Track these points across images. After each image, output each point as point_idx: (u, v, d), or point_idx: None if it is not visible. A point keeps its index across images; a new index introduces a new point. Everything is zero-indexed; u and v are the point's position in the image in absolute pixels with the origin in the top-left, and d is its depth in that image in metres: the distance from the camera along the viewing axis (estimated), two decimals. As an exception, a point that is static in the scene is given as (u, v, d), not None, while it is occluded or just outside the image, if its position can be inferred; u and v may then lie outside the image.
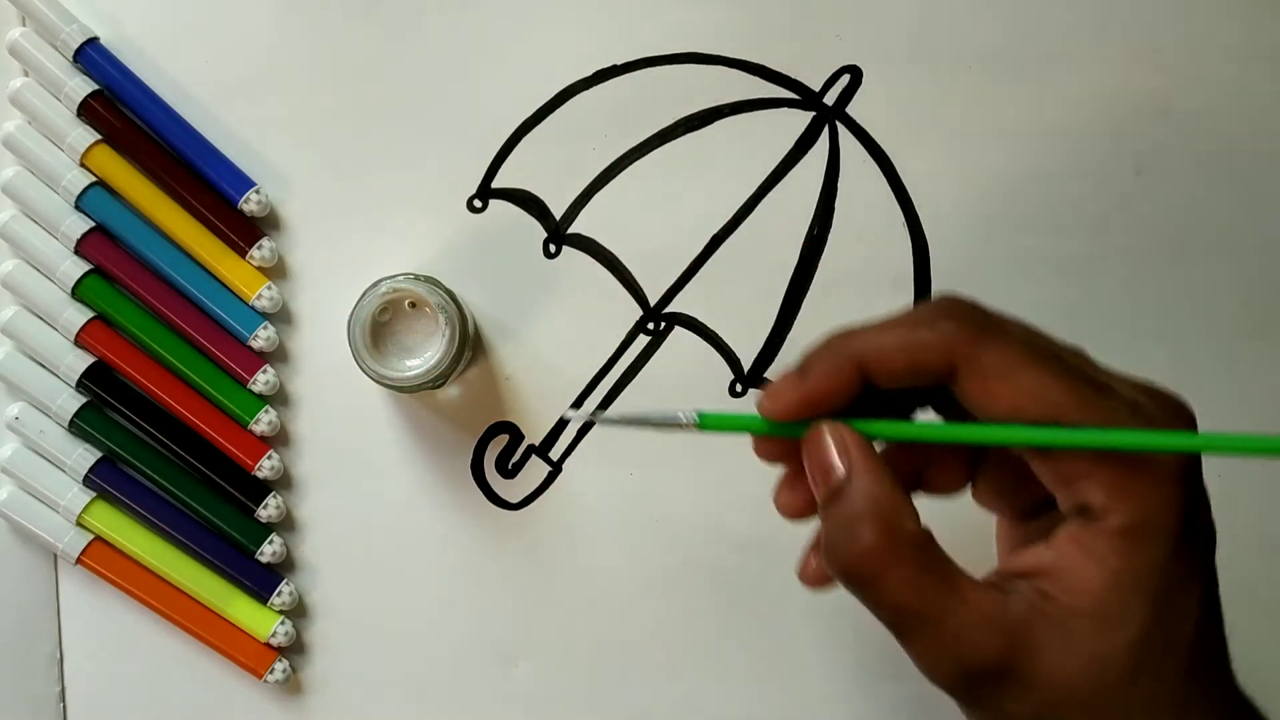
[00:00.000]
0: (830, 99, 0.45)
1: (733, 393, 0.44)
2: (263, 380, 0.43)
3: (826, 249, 0.44)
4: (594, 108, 0.44)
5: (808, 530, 0.46)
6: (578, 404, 0.44)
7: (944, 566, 0.28)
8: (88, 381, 0.43)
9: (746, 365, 0.44)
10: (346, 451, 0.45)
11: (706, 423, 0.32)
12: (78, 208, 0.43)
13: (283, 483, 0.45)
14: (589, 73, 0.44)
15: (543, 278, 0.45)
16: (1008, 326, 0.29)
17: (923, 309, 0.29)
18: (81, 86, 0.43)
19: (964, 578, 0.28)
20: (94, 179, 0.43)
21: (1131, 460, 0.27)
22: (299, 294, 0.45)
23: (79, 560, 0.43)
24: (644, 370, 0.44)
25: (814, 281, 0.44)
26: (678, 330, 0.45)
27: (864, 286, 0.44)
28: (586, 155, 0.45)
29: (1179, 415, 0.29)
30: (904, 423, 0.30)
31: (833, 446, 0.29)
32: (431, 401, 0.44)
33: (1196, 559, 0.28)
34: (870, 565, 0.28)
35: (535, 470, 0.45)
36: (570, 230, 0.45)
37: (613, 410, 0.42)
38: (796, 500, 0.32)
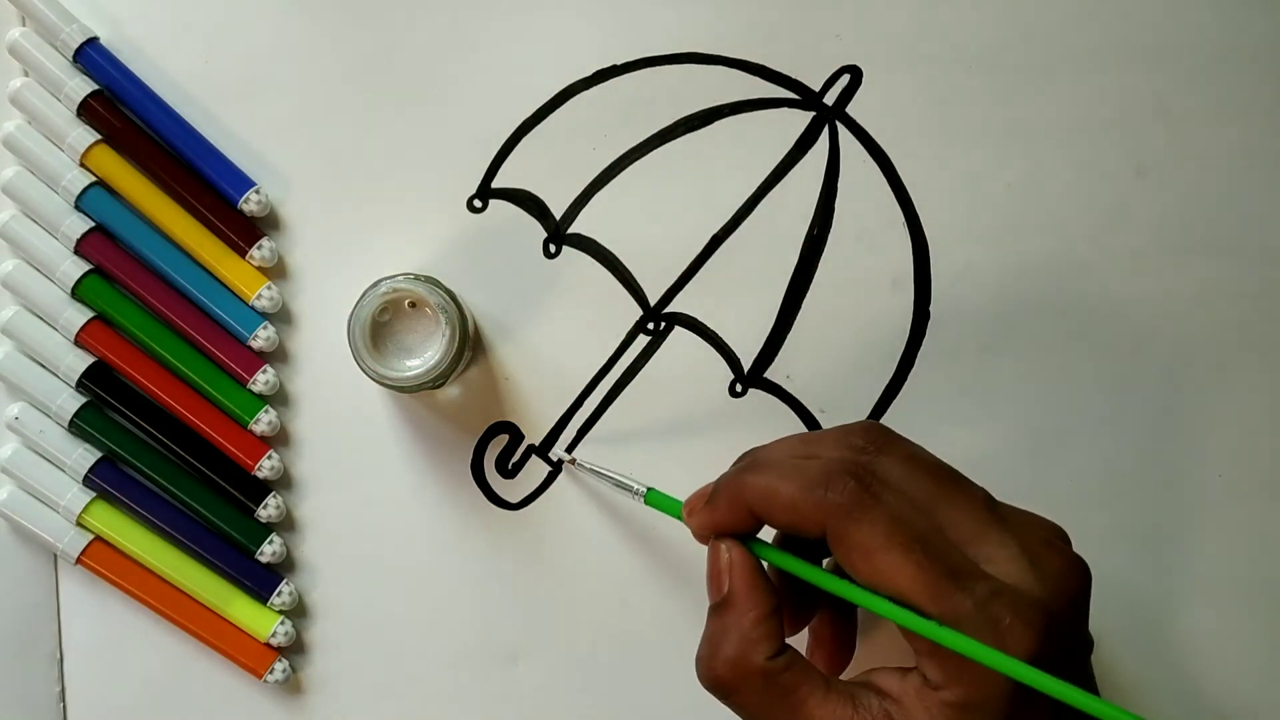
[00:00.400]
0: (830, 99, 0.45)
1: (733, 393, 0.44)
2: (263, 380, 0.43)
3: (826, 249, 0.44)
4: (594, 108, 0.44)
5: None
6: (578, 404, 0.44)
7: (790, 691, 0.32)
8: (88, 381, 0.43)
9: (746, 365, 0.44)
10: (346, 451, 0.45)
11: (651, 500, 0.39)
12: (78, 208, 0.43)
13: (283, 483, 0.45)
14: (589, 73, 0.44)
15: (543, 278, 0.45)
16: (885, 501, 0.31)
17: (819, 466, 0.32)
18: (81, 86, 0.43)
19: (812, 697, 0.31)
20: (94, 179, 0.43)
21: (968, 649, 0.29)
22: (299, 294, 0.45)
23: (79, 560, 0.43)
24: (644, 370, 0.44)
25: (814, 281, 0.44)
26: (678, 330, 0.45)
27: (864, 286, 0.44)
28: (586, 155, 0.45)
29: (1033, 608, 0.30)
30: (788, 555, 0.34)
31: (723, 565, 0.34)
32: (431, 401, 0.44)
33: None
34: (722, 684, 0.32)
35: (535, 470, 0.45)
36: (570, 230, 0.45)
37: (588, 459, 0.44)
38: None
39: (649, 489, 0.40)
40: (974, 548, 0.31)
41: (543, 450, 0.45)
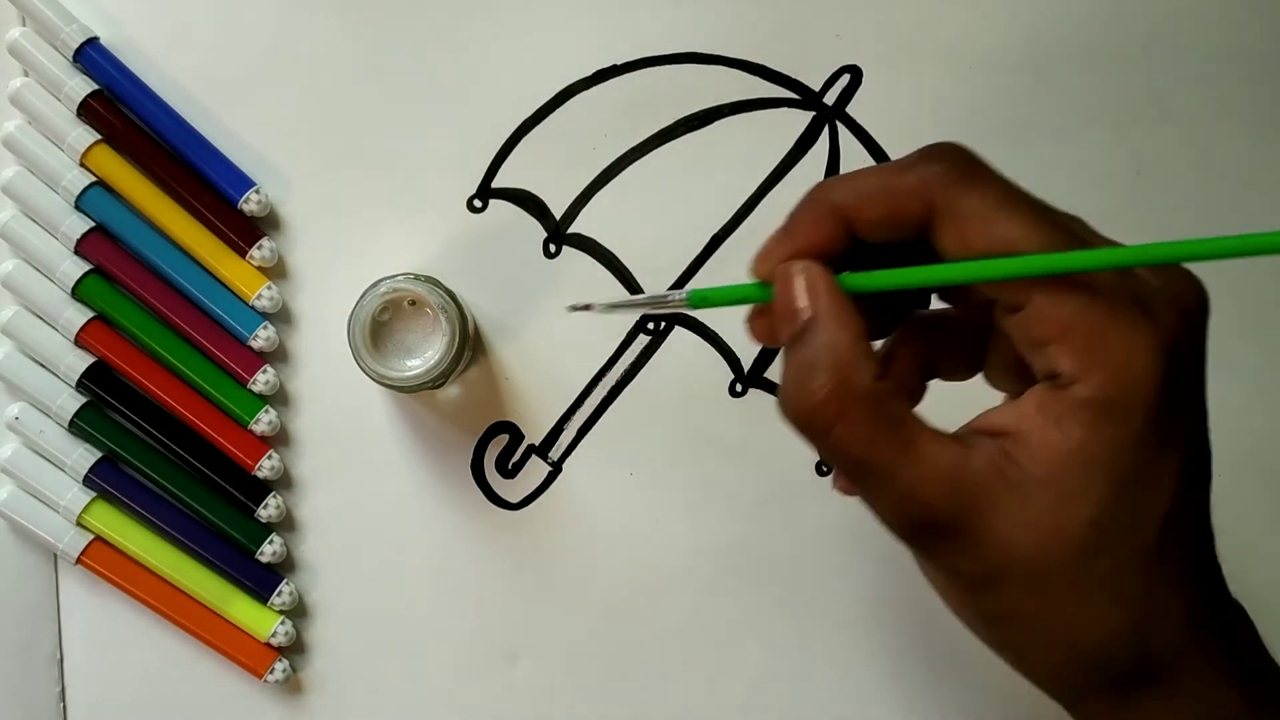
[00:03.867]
0: (830, 99, 0.45)
1: (733, 392, 0.44)
2: (263, 380, 0.43)
3: (826, 249, 0.44)
4: (594, 108, 0.44)
5: (810, 532, 0.46)
6: (578, 404, 0.44)
7: (899, 421, 0.27)
8: (88, 381, 0.43)
9: (746, 365, 0.44)
10: (346, 451, 0.45)
11: (697, 299, 0.31)
12: (78, 208, 0.43)
13: (283, 483, 0.45)
14: (589, 73, 0.44)
15: (543, 278, 0.45)
16: (990, 174, 0.27)
17: (909, 155, 0.28)
18: (81, 86, 0.43)
19: (923, 432, 0.27)
20: (94, 179, 0.43)
21: (1109, 325, 0.25)
22: (299, 294, 0.45)
23: (79, 560, 0.43)
24: (644, 370, 0.44)
25: (814, 281, 0.44)
26: (678, 330, 0.45)
27: (864, 286, 0.44)
28: (586, 155, 0.45)
29: (1171, 298, 0.26)
30: (871, 273, 0.28)
31: (801, 287, 0.28)
32: (431, 401, 0.44)
33: (1175, 440, 0.25)
34: (822, 415, 0.27)
35: (535, 470, 0.45)
36: (570, 230, 0.45)
37: (605, 298, 0.39)
38: (768, 324, 0.30)
39: (690, 291, 0.32)
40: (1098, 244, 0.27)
41: (543, 450, 0.45)
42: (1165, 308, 0.25)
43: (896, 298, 0.30)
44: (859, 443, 0.27)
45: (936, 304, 0.31)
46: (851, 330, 0.27)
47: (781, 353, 0.28)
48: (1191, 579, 0.27)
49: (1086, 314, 0.25)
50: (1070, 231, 0.26)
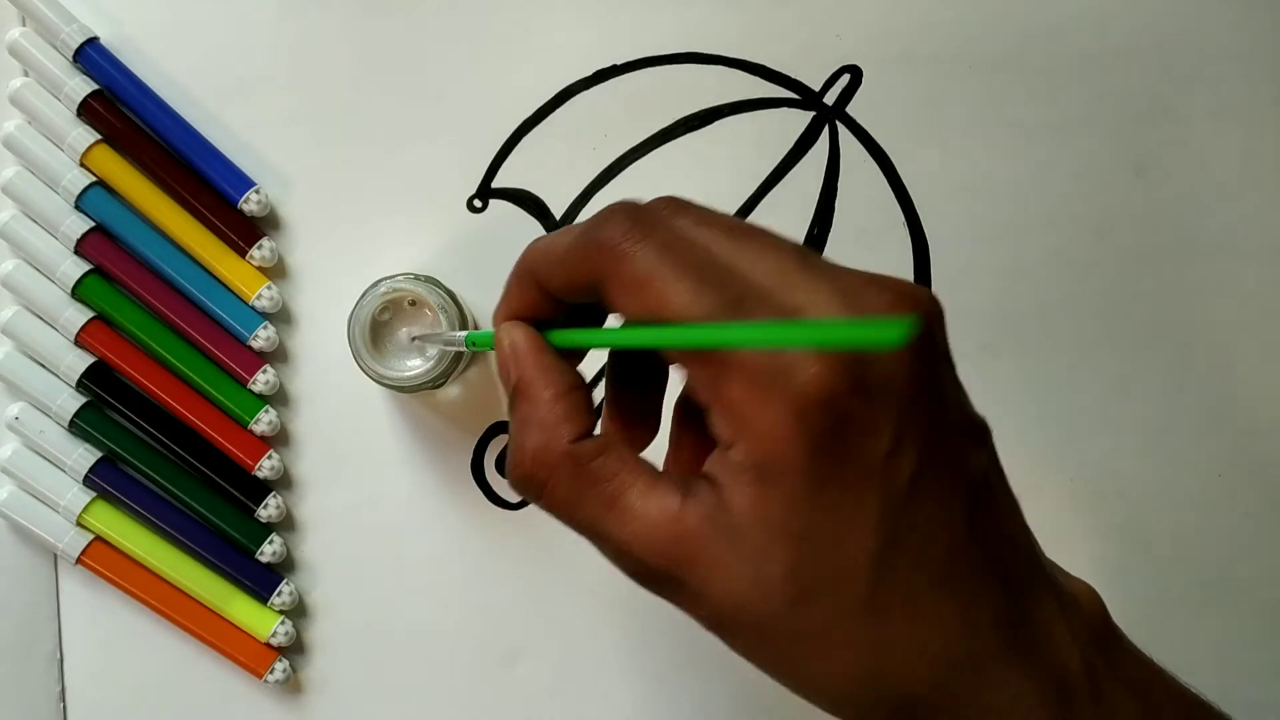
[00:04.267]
0: (830, 99, 0.45)
1: (733, 393, 0.44)
2: (263, 380, 0.43)
3: (826, 249, 0.44)
4: (594, 108, 0.44)
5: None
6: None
7: (602, 479, 0.27)
8: (88, 381, 0.43)
9: (746, 365, 0.44)
10: (346, 451, 0.45)
11: (470, 341, 0.35)
12: (78, 208, 0.43)
13: (283, 483, 0.45)
14: (589, 73, 0.44)
15: (543, 278, 0.44)
16: (660, 235, 0.26)
17: (589, 219, 0.27)
18: (81, 86, 0.43)
19: (632, 488, 0.27)
20: (94, 179, 0.43)
21: (747, 395, 0.24)
22: (299, 294, 0.45)
23: (79, 560, 0.43)
24: (644, 370, 0.44)
25: (814, 281, 0.44)
26: (678, 330, 0.45)
27: (864, 286, 0.44)
28: (586, 155, 0.45)
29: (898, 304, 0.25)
30: (562, 331, 0.29)
31: (507, 349, 0.29)
32: (431, 401, 0.44)
33: (861, 488, 0.24)
34: (530, 479, 0.27)
35: (535, 470, 0.45)
36: (570, 230, 0.45)
37: (423, 334, 0.41)
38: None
39: (467, 333, 0.36)
40: (779, 298, 0.25)
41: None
42: (804, 368, 0.23)
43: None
44: (564, 505, 0.27)
45: None
46: (554, 389, 0.28)
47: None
48: (958, 603, 0.25)
49: (729, 384, 0.24)
50: (732, 297, 0.25)
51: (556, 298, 0.28)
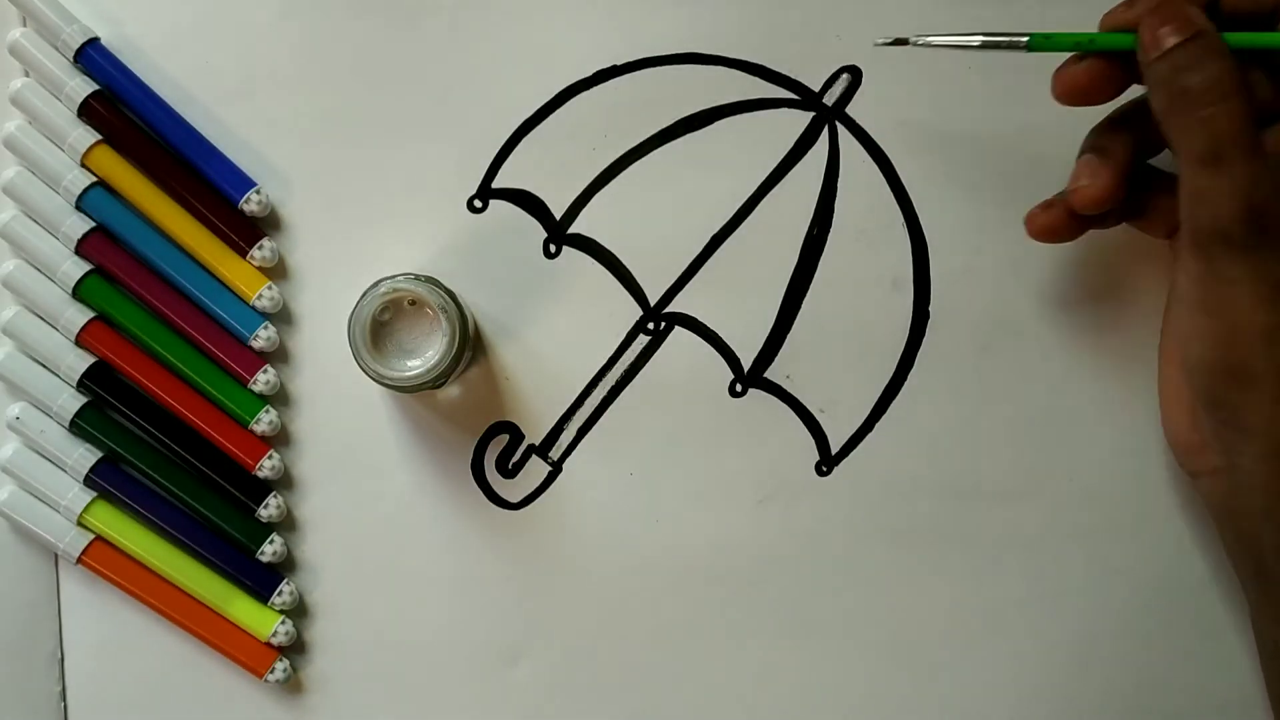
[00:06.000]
0: (830, 99, 0.45)
1: (732, 393, 0.44)
2: (263, 380, 0.44)
3: (826, 249, 0.44)
4: (594, 108, 0.44)
5: (810, 532, 0.46)
6: (578, 404, 0.44)
7: (1256, 132, 0.33)
8: (88, 381, 0.43)
9: (746, 365, 0.44)
10: (346, 451, 0.45)
11: (1036, 43, 0.37)
12: (78, 208, 0.43)
13: (283, 483, 0.45)
14: (589, 73, 0.44)
15: (543, 278, 0.45)
16: None
17: None
18: (82, 87, 0.43)
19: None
20: (95, 179, 0.43)
21: None
22: (299, 294, 0.45)
23: (80, 560, 0.43)
24: (644, 370, 0.45)
25: (814, 281, 0.44)
26: (678, 330, 0.45)
27: (864, 286, 0.44)
28: (586, 155, 0.45)
29: None
30: (1237, 33, 0.34)
31: (1181, 11, 0.34)
32: (431, 401, 0.44)
33: None
34: (1216, 87, 0.33)
35: (535, 470, 0.45)
36: (570, 230, 0.45)
37: (930, 35, 0.40)
38: (1051, 220, 0.40)
39: (1031, 35, 0.38)
40: None
41: (543, 450, 0.45)
42: None
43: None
44: (1239, 123, 0.33)
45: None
46: (1233, 61, 0.33)
47: (1159, 59, 0.34)
48: None
49: None
50: None
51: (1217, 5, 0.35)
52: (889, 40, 0.40)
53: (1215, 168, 0.33)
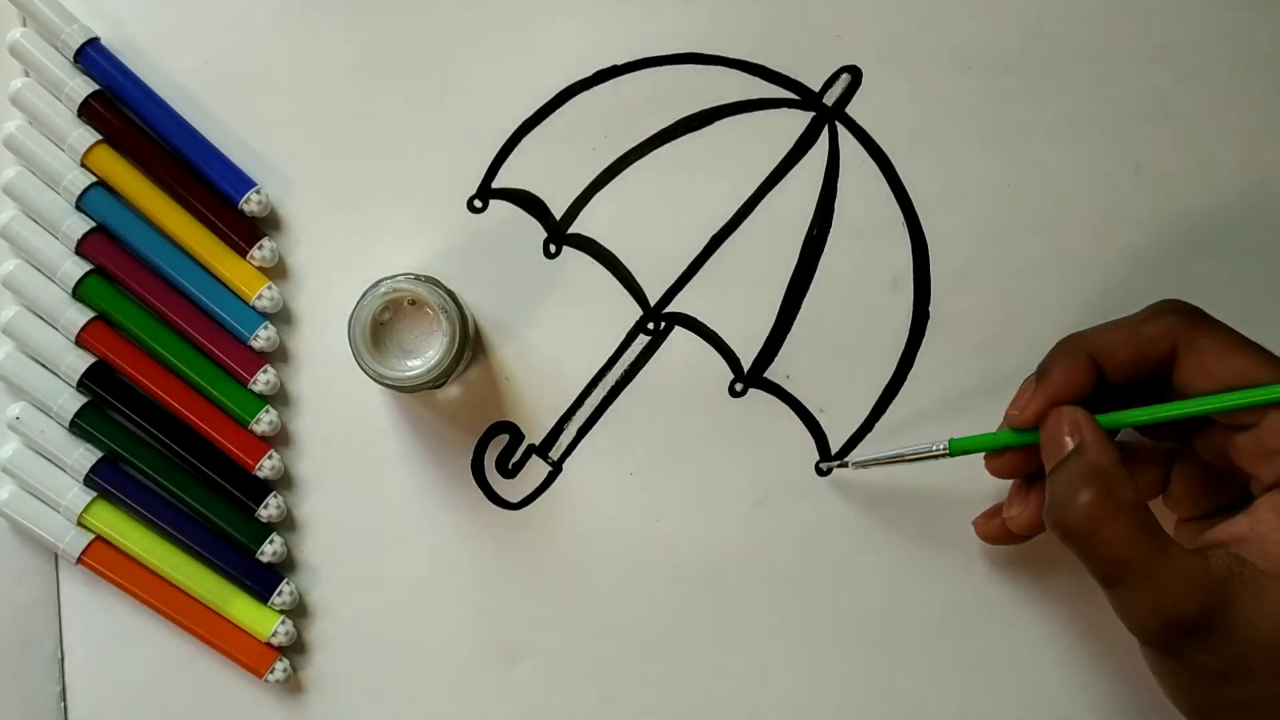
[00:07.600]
0: (830, 99, 0.45)
1: (732, 393, 0.44)
2: (263, 380, 0.44)
3: (826, 249, 0.44)
4: (594, 108, 0.44)
5: (810, 532, 0.46)
6: (578, 404, 0.44)
7: (1155, 529, 0.32)
8: (88, 381, 0.43)
9: (746, 365, 0.44)
10: (346, 451, 0.45)
11: (957, 448, 0.39)
12: (79, 208, 0.43)
13: (283, 483, 0.45)
14: (589, 73, 0.44)
15: (543, 278, 0.45)
16: (1215, 322, 0.35)
17: (1142, 311, 0.36)
18: (82, 87, 0.43)
19: (1172, 541, 0.32)
20: (95, 179, 0.43)
21: None
22: (299, 294, 0.45)
23: (80, 560, 0.43)
24: (644, 370, 0.45)
25: (814, 281, 0.44)
26: (678, 330, 0.45)
27: (864, 286, 0.44)
28: (586, 155, 0.45)
29: None
30: (1125, 411, 0.36)
31: (1065, 426, 0.35)
32: (431, 401, 0.44)
33: None
34: (1088, 521, 0.33)
35: (535, 470, 0.45)
36: (570, 230, 0.45)
37: (863, 454, 0.44)
38: (992, 531, 0.41)
39: (949, 441, 0.40)
40: None
41: (543, 450, 0.45)
42: None
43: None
44: (1122, 545, 0.32)
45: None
46: (1111, 455, 0.34)
47: (1047, 477, 0.35)
48: None
49: None
50: None
51: (1099, 387, 0.36)
52: (828, 469, 0.44)
53: (1120, 588, 0.33)
